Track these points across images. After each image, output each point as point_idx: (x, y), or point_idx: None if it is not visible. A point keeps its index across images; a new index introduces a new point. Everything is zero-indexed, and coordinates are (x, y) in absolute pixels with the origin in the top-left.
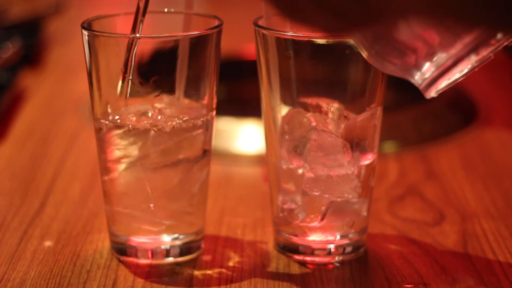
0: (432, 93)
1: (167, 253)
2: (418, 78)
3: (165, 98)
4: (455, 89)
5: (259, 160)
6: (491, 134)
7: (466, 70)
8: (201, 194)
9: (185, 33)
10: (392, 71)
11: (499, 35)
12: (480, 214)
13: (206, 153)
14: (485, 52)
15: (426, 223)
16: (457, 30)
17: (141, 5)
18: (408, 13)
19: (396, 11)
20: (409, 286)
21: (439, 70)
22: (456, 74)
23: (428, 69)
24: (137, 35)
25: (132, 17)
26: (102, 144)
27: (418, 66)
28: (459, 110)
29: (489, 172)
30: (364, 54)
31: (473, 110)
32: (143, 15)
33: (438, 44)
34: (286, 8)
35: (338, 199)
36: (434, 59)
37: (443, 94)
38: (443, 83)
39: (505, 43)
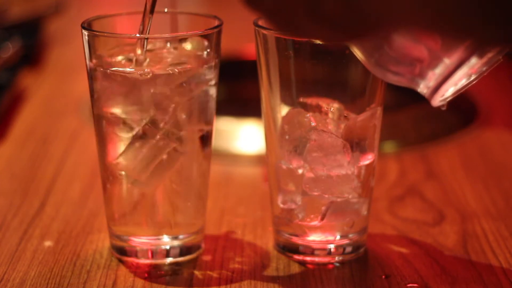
0: (437, 100)
1: (167, 253)
2: (422, 87)
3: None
4: None
5: (259, 160)
6: (491, 134)
7: (474, 76)
8: (201, 191)
9: (185, 33)
10: (395, 80)
11: (499, 38)
12: (480, 214)
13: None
14: (489, 54)
15: (426, 223)
16: (456, 36)
17: (148, 4)
18: (406, 24)
19: (393, 22)
20: (409, 286)
21: (442, 75)
22: (463, 80)
23: (431, 76)
24: (137, 35)
25: (132, 17)
26: (101, 103)
27: (420, 75)
28: (459, 110)
29: (489, 172)
30: (364, 63)
31: (473, 110)
32: (151, 13)
33: (439, 50)
34: (282, 23)
35: (338, 199)
36: (435, 65)
37: None
38: (449, 90)
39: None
